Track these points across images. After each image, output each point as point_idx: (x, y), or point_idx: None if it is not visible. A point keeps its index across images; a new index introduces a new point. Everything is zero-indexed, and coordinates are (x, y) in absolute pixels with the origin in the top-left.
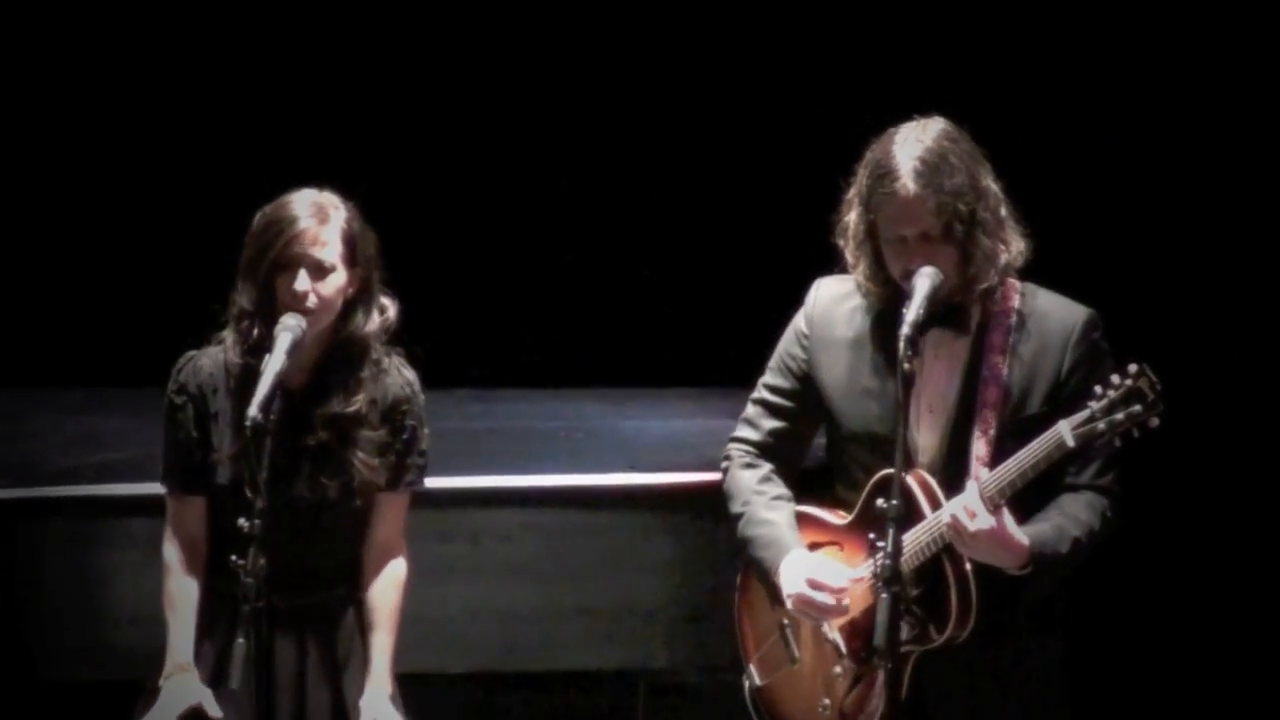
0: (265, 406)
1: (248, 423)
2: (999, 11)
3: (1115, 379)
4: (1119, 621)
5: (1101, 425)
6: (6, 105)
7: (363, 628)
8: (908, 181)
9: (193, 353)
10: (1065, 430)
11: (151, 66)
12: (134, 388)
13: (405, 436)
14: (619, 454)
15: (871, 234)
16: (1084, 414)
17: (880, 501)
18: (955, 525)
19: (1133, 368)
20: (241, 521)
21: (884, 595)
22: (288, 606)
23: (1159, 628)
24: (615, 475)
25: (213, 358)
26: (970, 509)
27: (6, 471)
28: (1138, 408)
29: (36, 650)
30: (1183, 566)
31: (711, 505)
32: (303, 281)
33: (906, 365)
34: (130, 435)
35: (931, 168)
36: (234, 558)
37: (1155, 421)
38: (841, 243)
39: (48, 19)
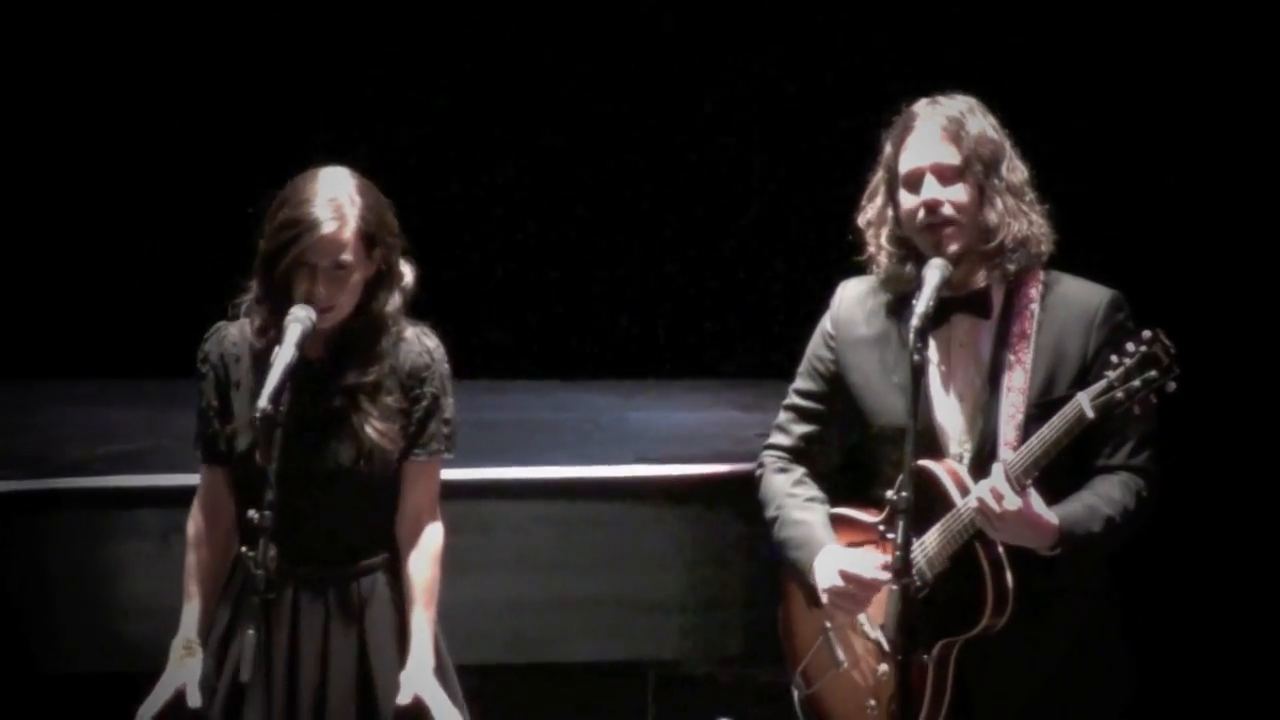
0: (275, 398)
1: (257, 414)
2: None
3: (1130, 346)
4: (1181, 604)
5: (1120, 394)
6: (11, 97)
7: (399, 600)
8: (929, 116)
9: (222, 323)
10: (1085, 402)
11: (155, 56)
12: (143, 379)
13: (425, 404)
14: (628, 445)
15: (891, 197)
16: (1101, 384)
17: (890, 493)
18: (982, 508)
19: (1146, 334)
20: (251, 513)
21: (893, 587)
22: (313, 577)
23: (1220, 608)
24: (624, 467)
25: (240, 328)
26: (997, 490)
27: (16, 463)
28: (1153, 373)
29: (45, 642)
30: (1235, 545)
31: (721, 496)
32: (320, 285)
33: (916, 356)
34: (139, 426)
35: (957, 110)
36: (244, 549)
37: (1172, 386)
38: (862, 222)
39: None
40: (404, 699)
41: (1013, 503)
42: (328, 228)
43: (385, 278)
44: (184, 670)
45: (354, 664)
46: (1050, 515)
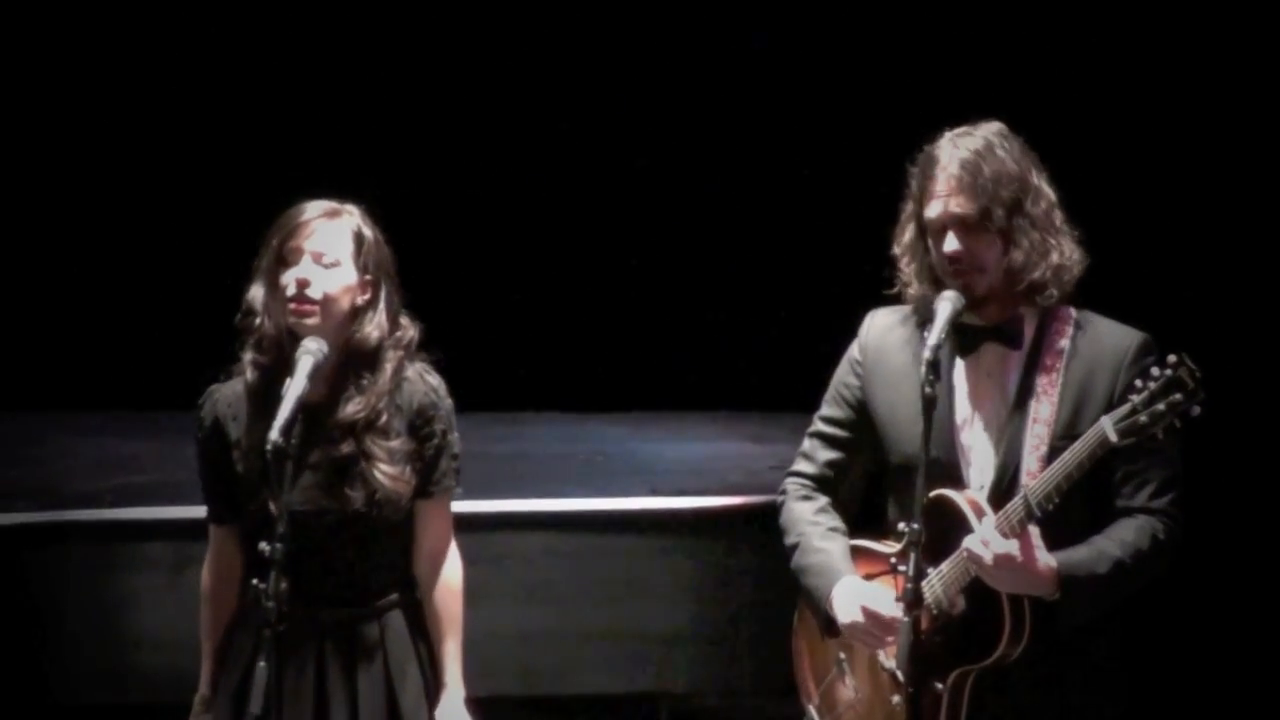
0: (286, 430)
1: (268, 446)
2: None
3: (1155, 371)
4: (1182, 631)
5: (1144, 418)
6: (23, 131)
7: (421, 635)
8: (948, 164)
9: (214, 386)
10: (1108, 425)
11: (168, 91)
12: (153, 411)
13: (435, 442)
14: (640, 478)
15: (921, 232)
16: (1125, 408)
17: (902, 525)
18: (971, 558)
19: (1171, 358)
20: (263, 546)
21: (904, 619)
22: (334, 620)
23: (1221, 635)
24: (636, 499)
25: (232, 388)
26: (984, 539)
27: (26, 495)
28: (1178, 396)
29: (56, 674)
30: (1248, 575)
31: (732, 529)
32: (303, 269)
33: (928, 389)
34: (149, 459)
35: (975, 153)
36: (255, 581)
37: (1197, 410)
38: (897, 251)
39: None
40: None
41: (1000, 547)
42: (312, 215)
43: (374, 305)
44: None
45: (383, 704)
46: (1048, 558)
